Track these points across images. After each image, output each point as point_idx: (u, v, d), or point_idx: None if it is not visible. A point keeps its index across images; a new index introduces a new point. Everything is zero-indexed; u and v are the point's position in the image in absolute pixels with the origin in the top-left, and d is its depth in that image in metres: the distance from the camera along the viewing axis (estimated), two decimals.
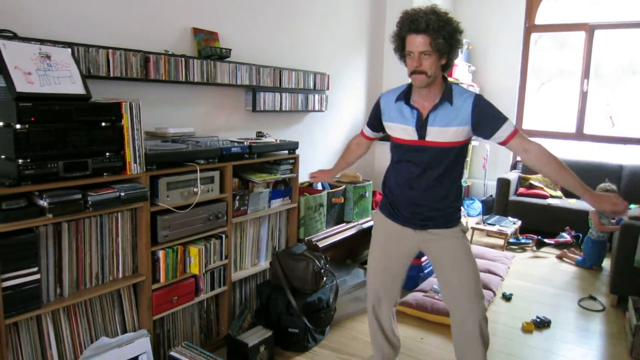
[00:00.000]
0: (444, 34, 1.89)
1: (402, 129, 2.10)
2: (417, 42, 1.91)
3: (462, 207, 2.25)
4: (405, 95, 2.09)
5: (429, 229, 2.17)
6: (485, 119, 2.00)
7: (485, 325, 2.18)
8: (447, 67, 2.02)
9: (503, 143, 2.02)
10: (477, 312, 2.14)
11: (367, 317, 3.28)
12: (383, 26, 5.17)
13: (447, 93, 2.02)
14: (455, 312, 2.21)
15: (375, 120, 2.29)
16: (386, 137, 2.25)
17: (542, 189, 5.46)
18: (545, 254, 4.83)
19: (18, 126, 1.79)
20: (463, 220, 5.43)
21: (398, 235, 2.26)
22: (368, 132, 2.40)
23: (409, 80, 2.06)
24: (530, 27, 6.04)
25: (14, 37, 2.03)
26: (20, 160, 1.80)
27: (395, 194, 2.22)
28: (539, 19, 6.00)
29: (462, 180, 2.26)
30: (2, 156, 1.88)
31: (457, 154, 2.07)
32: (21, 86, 1.82)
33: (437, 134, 2.02)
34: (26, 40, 2.03)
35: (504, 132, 1.98)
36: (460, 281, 2.14)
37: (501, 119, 1.99)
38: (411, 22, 1.90)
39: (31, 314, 1.91)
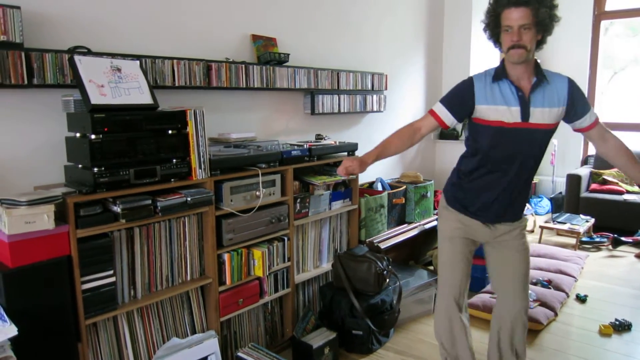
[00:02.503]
0: (545, 5, 1.85)
1: (504, 110, 1.93)
2: (517, 16, 1.84)
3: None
4: (504, 73, 1.95)
5: (501, 222, 2.10)
6: (578, 101, 1.97)
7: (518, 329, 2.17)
8: (541, 43, 1.95)
9: (585, 129, 2.02)
10: (519, 306, 2.14)
11: (432, 319, 3.22)
12: (441, 22, 5.06)
13: (540, 71, 1.96)
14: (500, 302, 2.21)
15: (461, 104, 2.01)
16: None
17: (617, 184, 5.14)
18: (623, 252, 4.55)
19: (93, 136, 1.89)
20: (530, 219, 5.22)
21: (467, 228, 2.15)
22: (447, 116, 2.04)
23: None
24: (600, 14, 5.70)
25: (88, 52, 2.15)
26: (95, 169, 1.90)
27: (472, 186, 2.09)
28: (610, 5, 5.66)
29: None
30: (79, 165, 1.99)
31: (551, 137, 2.02)
32: (95, 98, 1.92)
33: (540, 114, 1.93)
34: (98, 54, 2.14)
35: (590, 117, 1.99)
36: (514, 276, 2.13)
37: (589, 105, 2.00)
38: None
39: (108, 315, 2.02)
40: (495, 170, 2.02)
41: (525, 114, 1.92)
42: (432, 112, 2.07)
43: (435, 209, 4.13)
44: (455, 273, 2.16)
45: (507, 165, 2.00)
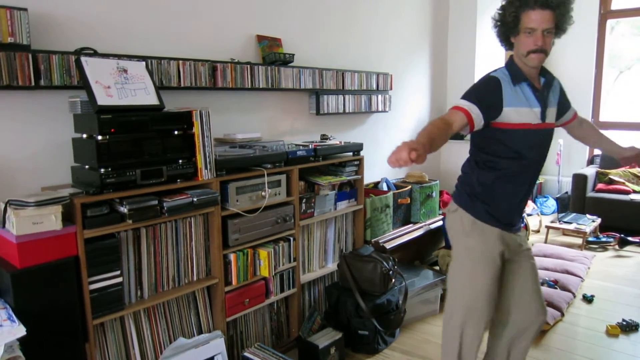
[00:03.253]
0: (568, 11, 1.81)
1: (529, 112, 1.85)
2: (542, 18, 1.75)
3: None
4: (523, 75, 1.87)
5: (519, 230, 2.04)
6: (565, 100, 2.09)
7: None
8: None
9: (570, 121, 2.14)
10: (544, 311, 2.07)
11: (437, 319, 3.22)
12: (446, 23, 5.06)
13: (547, 71, 1.96)
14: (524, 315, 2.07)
15: (491, 106, 1.81)
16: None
17: (623, 184, 5.11)
18: (630, 252, 4.52)
19: (99, 137, 1.90)
20: (536, 218, 5.17)
21: (502, 241, 1.96)
22: (478, 117, 1.78)
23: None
24: (606, 14, 5.68)
25: (94, 53, 2.16)
26: (102, 170, 1.91)
27: (498, 193, 1.94)
28: (616, 4, 5.63)
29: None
30: (86, 166, 2.00)
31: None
32: (102, 100, 1.93)
33: (552, 114, 1.95)
34: (105, 56, 2.15)
35: (572, 112, 2.14)
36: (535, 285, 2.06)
37: (569, 102, 2.13)
38: None
39: (115, 315, 2.02)
40: (519, 174, 1.93)
41: (543, 115, 1.89)
42: (463, 110, 1.77)
43: (440, 208, 4.12)
44: (491, 305, 1.95)
45: (528, 167, 1.93)
